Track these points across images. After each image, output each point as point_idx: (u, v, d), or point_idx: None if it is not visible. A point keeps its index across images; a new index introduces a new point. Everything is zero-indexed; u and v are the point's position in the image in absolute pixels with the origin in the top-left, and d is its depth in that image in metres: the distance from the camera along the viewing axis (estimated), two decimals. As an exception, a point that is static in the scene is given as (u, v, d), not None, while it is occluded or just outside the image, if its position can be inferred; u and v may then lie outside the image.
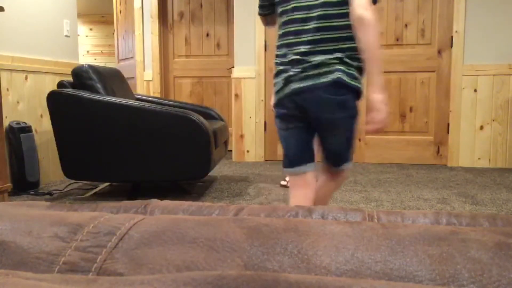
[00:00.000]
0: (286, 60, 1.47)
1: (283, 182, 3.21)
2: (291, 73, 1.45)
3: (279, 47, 1.52)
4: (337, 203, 2.72)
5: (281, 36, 1.52)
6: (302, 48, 1.43)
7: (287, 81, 1.46)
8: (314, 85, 1.41)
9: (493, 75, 3.92)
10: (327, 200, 1.71)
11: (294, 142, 1.54)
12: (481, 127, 3.98)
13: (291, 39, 1.46)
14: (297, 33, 1.45)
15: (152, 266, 0.41)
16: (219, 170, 3.89)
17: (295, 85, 1.44)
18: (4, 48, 2.94)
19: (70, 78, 2.81)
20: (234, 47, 4.39)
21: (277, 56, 1.53)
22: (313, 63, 1.41)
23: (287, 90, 1.46)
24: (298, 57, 1.43)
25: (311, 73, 1.41)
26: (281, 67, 1.50)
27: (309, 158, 1.56)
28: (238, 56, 4.34)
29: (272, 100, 3.40)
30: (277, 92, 1.52)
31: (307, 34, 1.43)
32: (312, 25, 1.42)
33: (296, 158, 1.55)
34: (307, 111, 1.46)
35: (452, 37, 3.99)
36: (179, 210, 0.57)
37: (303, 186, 1.57)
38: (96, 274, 0.42)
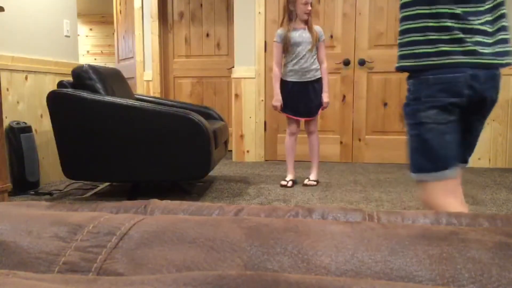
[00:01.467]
0: None
1: (283, 182, 3.21)
2: None
3: None
4: (337, 203, 2.72)
5: None
6: None
7: None
8: None
9: (493, 75, 3.92)
10: None
11: (455, 137, 1.22)
12: (481, 127, 3.98)
13: None
14: None
15: (152, 266, 0.41)
16: (219, 170, 3.89)
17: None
18: (4, 48, 2.94)
19: (70, 78, 2.81)
20: (234, 47, 4.39)
21: None
22: None
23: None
24: None
25: None
26: None
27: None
28: (238, 56, 4.34)
29: (275, 101, 3.35)
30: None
31: None
32: None
33: (452, 157, 1.23)
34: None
35: (452, 37, 3.99)
36: (179, 210, 0.57)
37: (458, 191, 1.25)
38: (96, 274, 0.42)
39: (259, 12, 4.27)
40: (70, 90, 2.65)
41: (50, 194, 2.95)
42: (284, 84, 3.21)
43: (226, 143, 3.30)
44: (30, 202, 0.61)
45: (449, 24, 1.16)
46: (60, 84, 2.75)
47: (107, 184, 3.24)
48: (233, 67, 4.42)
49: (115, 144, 2.61)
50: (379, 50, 4.16)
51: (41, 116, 3.28)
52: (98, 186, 3.19)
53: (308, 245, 0.41)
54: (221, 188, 3.13)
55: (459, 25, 1.16)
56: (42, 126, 3.29)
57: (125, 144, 2.61)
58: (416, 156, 1.24)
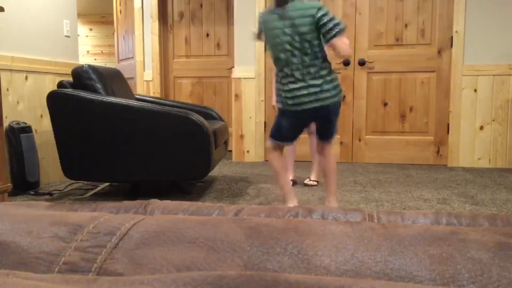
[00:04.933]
0: None
1: (283, 182, 3.21)
2: None
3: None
4: (337, 203, 2.72)
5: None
6: None
7: None
8: None
9: (493, 75, 3.92)
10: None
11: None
12: (481, 127, 3.98)
13: None
14: None
15: (152, 266, 0.41)
16: (219, 170, 3.89)
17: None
18: (4, 48, 2.94)
19: (70, 78, 2.81)
20: (234, 47, 4.39)
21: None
22: None
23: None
24: None
25: None
26: None
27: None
28: (238, 56, 4.35)
29: (274, 101, 3.37)
30: None
31: None
32: None
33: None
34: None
35: (452, 37, 3.99)
36: (179, 210, 0.57)
37: (280, 150, 2.34)
38: (96, 274, 0.42)
39: (259, 12, 4.27)
40: (70, 90, 2.64)
41: (50, 194, 2.95)
42: None
43: (226, 143, 3.30)
44: (30, 202, 0.61)
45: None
46: (60, 84, 2.75)
47: (107, 184, 3.24)
48: (233, 67, 4.42)
49: (115, 144, 2.61)
50: (379, 50, 4.16)
51: (41, 116, 3.28)
52: (98, 186, 3.19)
53: (308, 245, 0.41)
54: (221, 188, 3.13)
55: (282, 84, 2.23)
56: (42, 126, 3.29)
57: (125, 144, 2.61)
58: None
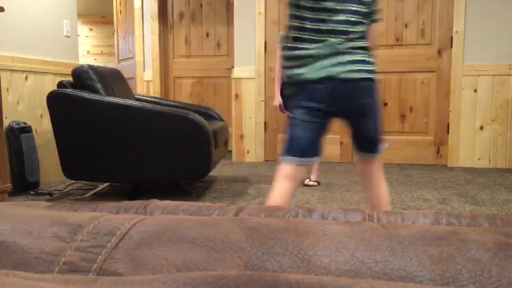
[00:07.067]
0: None
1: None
2: None
3: None
4: (337, 203, 2.72)
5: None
6: None
7: None
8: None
9: (493, 75, 3.92)
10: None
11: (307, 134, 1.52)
12: (481, 127, 3.98)
13: None
14: None
15: (152, 266, 0.41)
16: (219, 170, 3.89)
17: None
18: (4, 48, 2.94)
19: (70, 78, 2.80)
20: (234, 47, 4.39)
21: None
22: None
23: None
24: None
25: None
26: None
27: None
28: (238, 56, 4.34)
29: (275, 101, 3.37)
30: None
31: None
32: None
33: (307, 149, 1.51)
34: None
35: (452, 37, 3.99)
36: (179, 210, 0.57)
37: (292, 177, 1.51)
38: (96, 274, 0.42)
39: (259, 12, 4.27)
40: (70, 90, 2.64)
41: (50, 194, 2.95)
42: (284, 85, 3.22)
43: (226, 143, 3.30)
44: (30, 202, 0.61)
45: None
46: (60, 84, 2.75)
47: (107, 184, 3.24)
48: (233, 67, 4.42)
49: (115, 144, 2.61)
50: (379, 50, 4.16)
51: (41, 116, 3.28)
52: (98, 186, 3.19)
53: (308, 245, 0.41)
54: (221, 188, 3.13)
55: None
56: (42, 126, 3.29)
57: (125, 144, 2.61)
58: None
